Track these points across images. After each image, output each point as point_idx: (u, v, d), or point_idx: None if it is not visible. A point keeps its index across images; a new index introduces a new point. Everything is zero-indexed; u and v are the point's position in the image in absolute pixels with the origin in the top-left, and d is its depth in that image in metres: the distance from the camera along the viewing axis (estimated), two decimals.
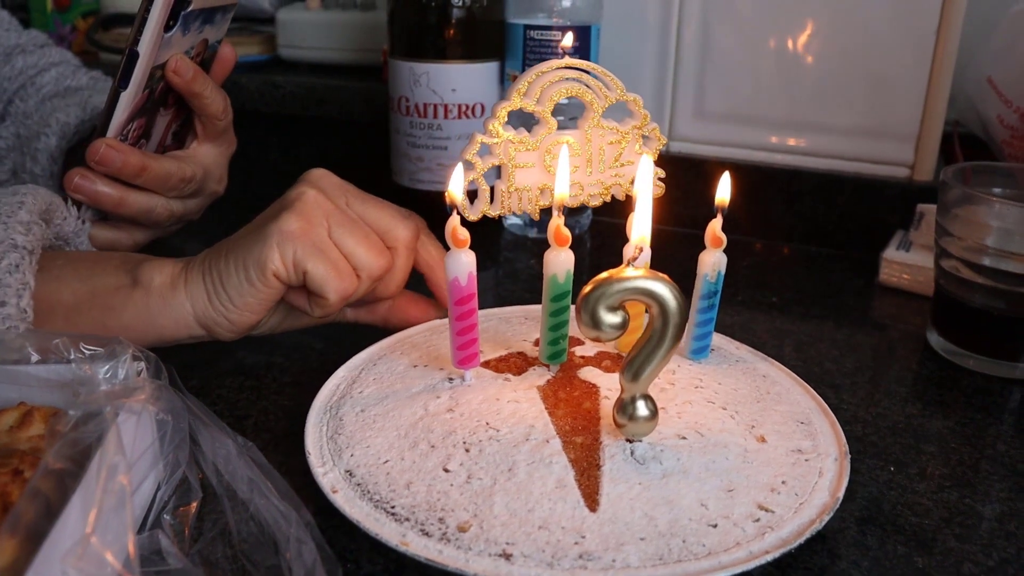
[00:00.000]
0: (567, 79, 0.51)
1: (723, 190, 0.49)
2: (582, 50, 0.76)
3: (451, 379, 0.49)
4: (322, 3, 1.06)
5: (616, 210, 0.56)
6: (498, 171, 0.52)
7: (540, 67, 0.50)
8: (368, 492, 0.41)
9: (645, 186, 0.45)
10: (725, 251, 0.49)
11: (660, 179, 0.54)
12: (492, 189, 0.52)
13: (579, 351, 0.52)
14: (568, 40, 0.53)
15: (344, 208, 0.52)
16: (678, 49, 0.83)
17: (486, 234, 0.83)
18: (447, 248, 0.46)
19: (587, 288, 0.40)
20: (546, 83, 0.50)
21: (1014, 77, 0.80)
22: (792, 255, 0.81)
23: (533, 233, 0.82)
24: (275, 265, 0.49)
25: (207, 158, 0.66)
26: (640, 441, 0.43)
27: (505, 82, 0.80)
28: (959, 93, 0.85)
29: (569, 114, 0.61)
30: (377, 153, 0.92)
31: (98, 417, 0.34)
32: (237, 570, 0.38)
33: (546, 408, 0.46)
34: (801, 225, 0.82)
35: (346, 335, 0.59)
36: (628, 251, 0.44)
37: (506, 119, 0.50)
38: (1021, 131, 0.79)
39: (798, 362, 0.59)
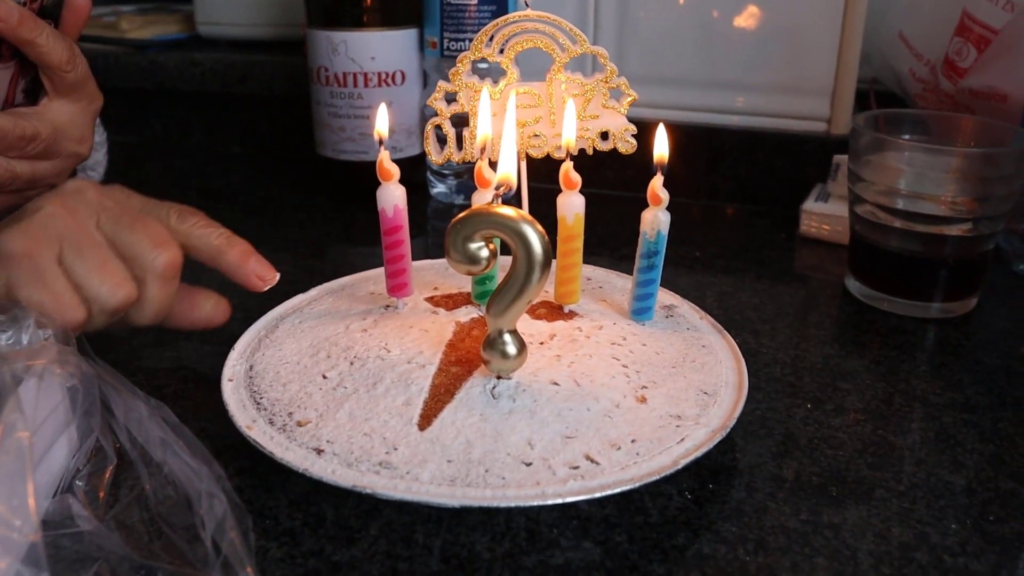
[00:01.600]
0: (529, 31, 0.51)
1: (660, 145, 0.48)
2: (498, 15, 0.75)
3: (387, 307, 0.52)
4: None
5: (553, 177, 0.55)
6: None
7: (503, 18, 0.50)
8: (252, 385, 0.45)
9: (510, 120, 0.45)
10: None
11: (633, 135, 0.52)
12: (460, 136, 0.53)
13: None
14: None
15: (89, 230, 0.46)
16: (596, 13, 0.84)
17: (413, 201, 0.83)
18: None
19: (454, 220, 0.40)
20: (508, 33, 0.50)
21: (923, 31, 0.81)
22: (715, 211, 0.82)
23: (460, 200, 0.82)
24: None
25: (60, 115, 0.59)
26: (509, 379, 0.44)
27: (425, 49, 0.79)
28: (875, 51, 0.87)
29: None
30: (301, 128, 0.91)
31: None
32: (154, 532, 0.37)
33: (450, 340, 0.47)
34: (724, 182, 0.83)
35: (267, 303, 0.58)
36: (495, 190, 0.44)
37: (469, 67, 0.51)
38: (932, 84, 0.81)
39: (720, 311, 0.59)
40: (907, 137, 0.62)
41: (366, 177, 0.81)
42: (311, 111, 0.83)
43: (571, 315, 0.51)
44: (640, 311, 0.51)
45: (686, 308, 0.54)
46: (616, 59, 0.84)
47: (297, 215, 0.81)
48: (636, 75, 0.84)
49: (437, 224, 0.80)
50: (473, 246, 0.40)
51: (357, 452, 0.39)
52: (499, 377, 0.44)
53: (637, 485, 0.37)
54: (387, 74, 0.78)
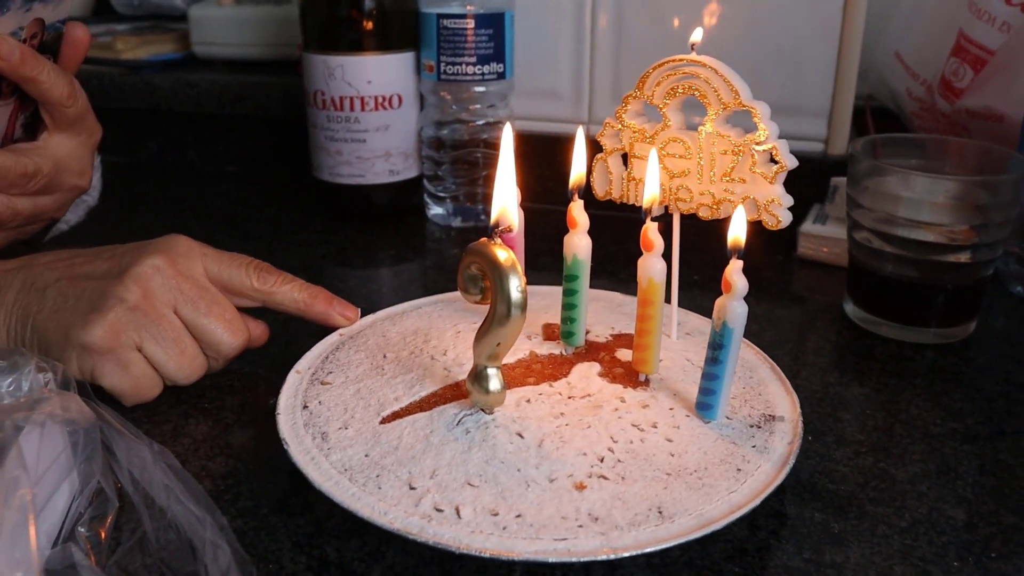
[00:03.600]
0: (687, 76, 0.48)
1: (737, 227, 0.43)
2: (495, 38, 0.76)
3: None
4: None
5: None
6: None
7: (666, 60, 0.48)
8: (340, 344, 0.52)
9: (507, 153, 0.45)
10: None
11: (786, 209, 0.47)
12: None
13: (621, 355, 0.50)
14: (698, 35, 0.49)
15: (168, 317, 0.50)
16: (593, 34, 0.84)
17: (410, 224, 0.83)
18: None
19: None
20: (664, 77, 0.48)
21: (918, 50, 0.82)
22: (711, 231, 0.82)
23: (457, 222, 0.82)
24: (70, 373, 0.45)
25: (60, 150, 0.59)
26: (489, 413, 0.44)
27: (421, 72, 0.79)
28: (870, 68, 0.87)
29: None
30: (297, 148, 0.91)
31: None
32: None
33: (504, 366, 0.46)
34: None
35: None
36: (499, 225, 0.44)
37: (630, 107, 0.50)
38: (928, 103, 0.81)
39: None
40: (905, 162, 0.62)
41: (363, 200, 0.82)
42: (307, 133, 0.83)
43: (640, 385, 0.47)
44: (702, 407, 0.45)
45: (788, 426, 0.45)
46: (614, 80, 0.85)
47: (293, 237, 0.81)
48: None
49: (432, 246, 0.80)
50: (468, 276, 0.43)
51: (320, 421, 0.44)
52: (483, 410, 0.44)
53: (454, 549, 0.36)
54: (384, 98, 0.78)
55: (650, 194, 0.46)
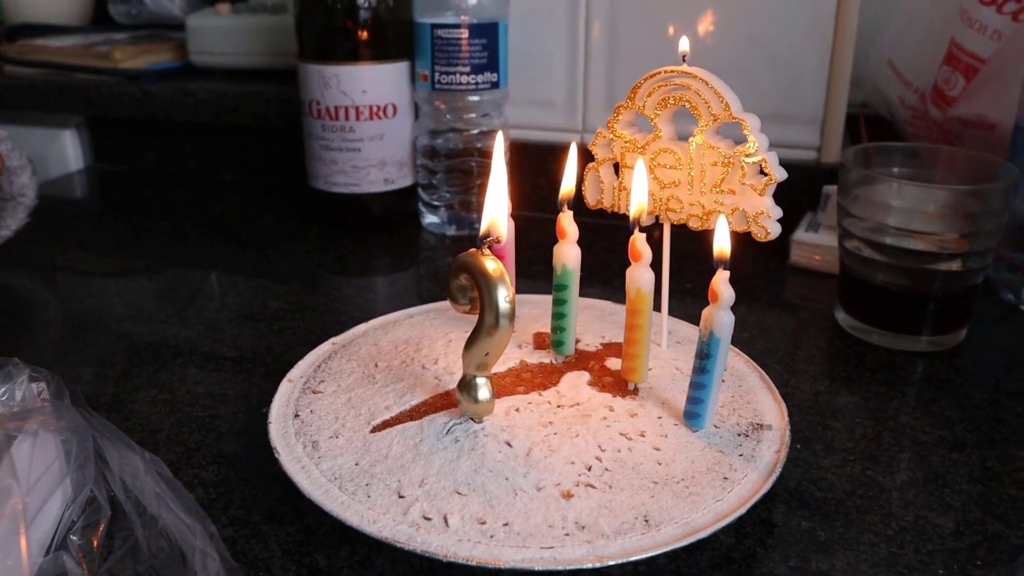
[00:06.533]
0: (678, 87, 0.48)
1: (721, 238, 0.43)
2: (489, 48, 0.76)
3: None
4: (232, 8, 1.04)
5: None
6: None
7: (657, 71, 0.48)
8: (333, 353, 0.53)
9: (498, 162, 0.45)
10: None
11: (775, 221, 0.48)
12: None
13: (611, 364, 0.50)
14: (684, 44, 0.49)
15: None
16: (587, 43, 0.84)
17: (405, 232, 0.83)
18: None
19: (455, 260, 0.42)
20: (655, 88, 0.49)
21: (911, 59, 0.82)
22: (704, 239, 0.83)
23: (452, 231, 0.82)
24: None
25: None
26: (479, 422, 0.44)
27: (416, 82, 0.80)
28: (864, 76, 0.87)
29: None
30: (293, 157, 0.91)
31: None
32: None
33: (494, 375, 0.47)
34: None
35: (259, 344, 0.59)
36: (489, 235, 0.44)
37: (622, 117, 0.50)
38: (921, 111, 0.81)
39: None
40: (896, 171, 0.63)
41: (358, 209, 0.82)
42: (303, 142, 0.83)
43: (629, 393, 0.47)
44: (690, 415, 0.45)
45: (776, 435, 0.45)
46: (608, 89, 0.85)
47: (290, 246, 0.81)
48: None
49: (427, 255, 0.80)
50: (458, 286, 0.42)
51: (311, 429, 0.45)
52: (472, 418, 0.44)
53: (441, 558, 0.36)
54: (379, 107, 0.78)
55: (637, 204, 0.46)
